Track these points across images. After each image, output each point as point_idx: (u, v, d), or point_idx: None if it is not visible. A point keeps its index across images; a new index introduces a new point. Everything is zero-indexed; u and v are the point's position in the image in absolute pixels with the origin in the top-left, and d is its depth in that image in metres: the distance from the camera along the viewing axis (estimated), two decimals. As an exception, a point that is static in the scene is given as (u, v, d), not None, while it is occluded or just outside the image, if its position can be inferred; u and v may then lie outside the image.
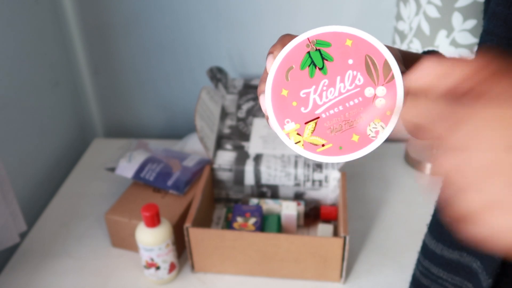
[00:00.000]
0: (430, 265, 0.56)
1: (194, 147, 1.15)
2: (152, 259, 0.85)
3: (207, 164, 1.03)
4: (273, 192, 1.02)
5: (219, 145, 1.03)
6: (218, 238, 0.86)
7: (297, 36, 0.36)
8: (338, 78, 0.33)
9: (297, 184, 1.00)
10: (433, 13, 0.91)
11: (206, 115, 1.00)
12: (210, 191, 1.01)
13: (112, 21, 1.22)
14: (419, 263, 0.59)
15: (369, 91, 0.33)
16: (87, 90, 1.32)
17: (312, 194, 1.01)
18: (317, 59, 0.33)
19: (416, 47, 0.95)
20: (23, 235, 0.99)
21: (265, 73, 0.36)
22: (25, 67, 1.07)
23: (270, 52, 0.36)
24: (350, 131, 0.33)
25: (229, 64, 1.25)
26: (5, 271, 0.93)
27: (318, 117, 0.33)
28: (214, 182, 1.03)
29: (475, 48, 0.57)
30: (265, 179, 1.00)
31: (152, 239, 0.83)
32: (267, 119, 0.35)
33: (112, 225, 0.94)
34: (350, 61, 0.33)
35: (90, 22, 1.23)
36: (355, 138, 0.33)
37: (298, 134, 0.34)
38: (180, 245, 0.93)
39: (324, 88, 0.33)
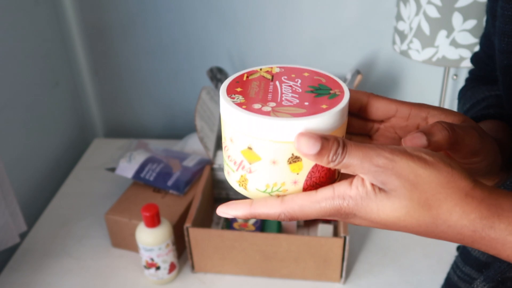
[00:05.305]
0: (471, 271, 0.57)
1: (194, 147, 1.15)
2: (152, 259, 0.85)
3: (207, 164, 1.03)
4: (273, 192, 1.02)
5: (219, 145, 1.03)
6: (218, 238, 0.86)
7: None
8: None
9: (297, 184, 1.00)
10: (433, 13, 0.91)
11: (206, 115, 1.00)
12: (210, 191, 1.01)
13: (112, 21, 1.22)
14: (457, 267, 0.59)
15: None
16: (87, 90, 1.32)
17: (312, 194, 1.01)
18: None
19: (416, 47, 0.95)
20: (23, 235, 0.99)
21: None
22: (25, 67, 1.07)
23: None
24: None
25: (229, 64, 1.25)
26: (5, 271, 0.93)
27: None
28: (214, 182, 1.03)
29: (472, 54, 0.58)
30: (265, 179, 1.00)
31: (152, 239, 0.83)
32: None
33: (112, 225, 0.94)
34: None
35: (90, 22, 1.23)
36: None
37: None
38: (180, 245, 0.93)
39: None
